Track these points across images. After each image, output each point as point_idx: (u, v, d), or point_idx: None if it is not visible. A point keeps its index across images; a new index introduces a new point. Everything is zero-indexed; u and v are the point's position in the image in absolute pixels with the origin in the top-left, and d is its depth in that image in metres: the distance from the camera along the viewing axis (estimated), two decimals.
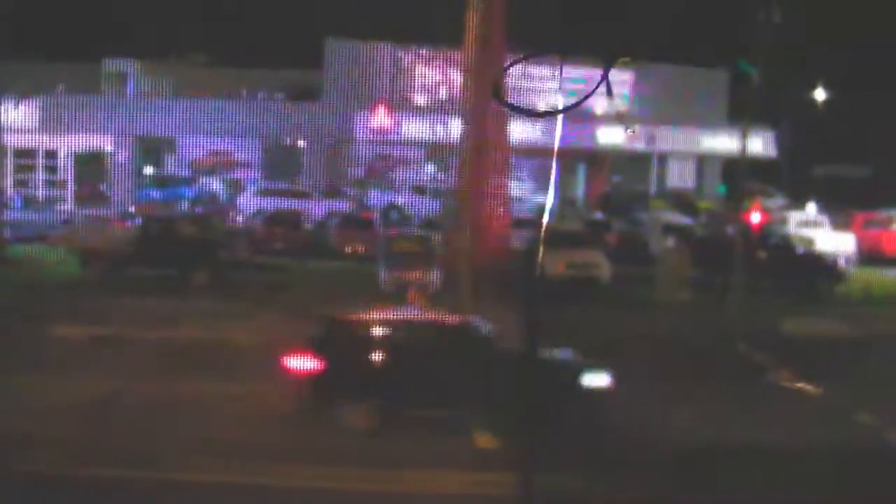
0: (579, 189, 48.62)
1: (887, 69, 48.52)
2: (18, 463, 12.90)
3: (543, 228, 9.42)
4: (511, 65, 13.19)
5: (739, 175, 28.71)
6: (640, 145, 45.57)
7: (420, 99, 44.86)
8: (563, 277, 26.11)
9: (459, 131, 25.76)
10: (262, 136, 44.74)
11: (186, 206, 40.06)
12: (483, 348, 15.14)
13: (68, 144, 43.43)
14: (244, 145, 45.25)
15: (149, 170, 45.62)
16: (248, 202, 39.33)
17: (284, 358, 15.01)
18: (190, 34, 46.65)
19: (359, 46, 43.31)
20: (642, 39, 39.47)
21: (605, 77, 7.58)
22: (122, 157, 43.25)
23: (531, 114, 8.49)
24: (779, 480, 13.43)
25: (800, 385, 18.26)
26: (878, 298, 29.13)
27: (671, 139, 46.31)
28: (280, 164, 45.60)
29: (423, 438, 14.21)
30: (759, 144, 43.45)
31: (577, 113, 8.40)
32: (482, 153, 24.48)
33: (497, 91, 14.86)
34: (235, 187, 43.01)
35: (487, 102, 23.65)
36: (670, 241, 30.32)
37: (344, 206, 39.29)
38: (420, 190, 42.61)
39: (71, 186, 44.20)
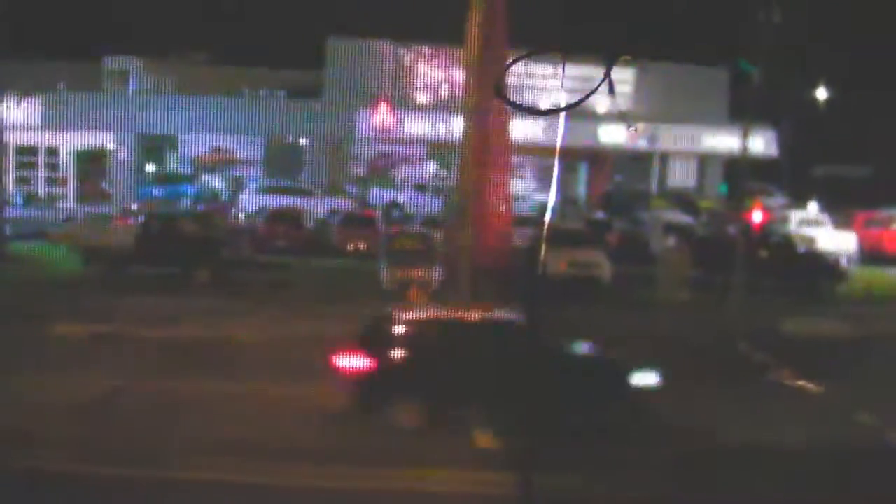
0: (581, 188, 48.62)
1: (888, 69, 48.51)
2: (19, 461, 12.89)
3: (546, 227, 9.42)
4: (513, 63, 13.16)
5: (740, 174, 28.65)
6: (641, 144, 45.54)
7: (422, 97, 44.84)
8: (565, 276, 26.12)
9: (461, 129, 25.72)
10: (264, 134, 44.75)
11: (188, 203, 40.07)
12: (527, 344, 15.04)
13: (70, 142, 43.45)
14: (246, 143, 45.24)
15: (150, 167, 45.63)
16: (250, 200, 39.31)
17: (333, 357, 14.93)
18: (191, 32, 46.69)
19: (360, 44, 43.36)
20: (643, 38, 39.47)
21: (607, 75, 7.58)
22: (124, 154, 43.24)
23: (533, 112, 8.50)
24: (779, 480, 13.42)
25: (800, 385, 18.24)
26: (880, 298, 29.12)
27: (672, 138, 46.29)
28: (282, 162, 45.58)
29: (423, 438, 14.20)
30: (761, 144, 43.40)
31: (578, 111, 8.40)
32: (484, 151, 24.42)
33: (499, 89, 14.89)
34: (237, 185, 43.02)
35: (489, 100, 23.60)
36: (671, 241, 30.32)
37: (346, 203, 39.32)
38: (422, 188, 42.65)
39: (72, 184, 44.22)
